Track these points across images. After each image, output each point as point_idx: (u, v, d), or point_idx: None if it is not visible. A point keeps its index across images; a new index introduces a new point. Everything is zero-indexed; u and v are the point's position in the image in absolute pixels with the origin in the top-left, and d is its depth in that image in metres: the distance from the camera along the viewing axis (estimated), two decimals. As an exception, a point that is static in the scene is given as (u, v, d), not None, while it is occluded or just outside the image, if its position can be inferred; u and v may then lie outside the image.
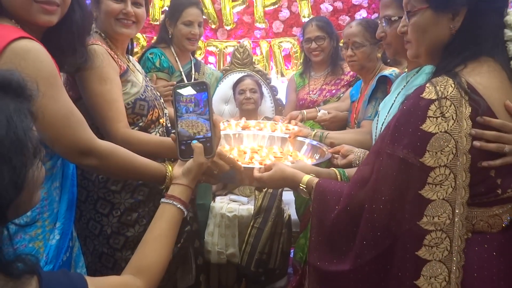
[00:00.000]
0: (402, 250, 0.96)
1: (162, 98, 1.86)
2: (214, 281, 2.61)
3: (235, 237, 2.54)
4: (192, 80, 2.51)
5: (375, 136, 1.60)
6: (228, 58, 3.50)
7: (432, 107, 0.93)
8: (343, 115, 2.37)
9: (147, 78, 1.79)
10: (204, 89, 1.17)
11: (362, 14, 3.56)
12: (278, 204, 2.55)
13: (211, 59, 3.79)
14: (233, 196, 2.78)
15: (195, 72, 2.55)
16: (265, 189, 2.56)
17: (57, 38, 1.23)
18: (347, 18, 3.56)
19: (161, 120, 1.70)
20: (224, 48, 3.72)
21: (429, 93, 0.94)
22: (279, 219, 2.55)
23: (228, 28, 3.71)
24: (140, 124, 1.59)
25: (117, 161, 1.24)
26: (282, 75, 3.69)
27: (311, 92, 2.72)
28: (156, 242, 1.05)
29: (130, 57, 1.77)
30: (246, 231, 2.49)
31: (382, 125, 1.53)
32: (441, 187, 0.92)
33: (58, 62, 1.21)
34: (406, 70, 1.64)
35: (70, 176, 1.28)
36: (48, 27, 1.17)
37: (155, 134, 1.66)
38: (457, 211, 0.92)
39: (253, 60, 3.34)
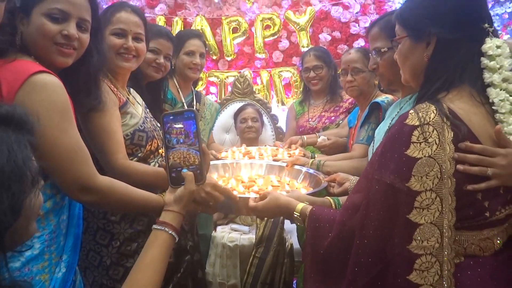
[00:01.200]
0: (394, 275, 0.95)
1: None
2: (216, 313, 2.56)
3: (237, 268, 2.51)
4: None
5: None
6: (229, 88, 3.55)
7: (415, 132, 0.95)
8: (342, 141, 2.38)
9: (147, 110, 1.82)
10: (192, 117, 1.19)
11: (360, 43, 3.62)
12: (280, 233, 2.52)
13: (213, 89, 3.85)
14: (234, 225, 2.76)
15: (196, 102, 2.59)
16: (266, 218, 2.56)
17: (75, 79, 1.29)
18: (346, 47, 3.63)
19: (160, 151, 1.72)
20: (225, 78, 3.78)
21: (412, 120, 0.97)
22: (281, 248, 2.52)
23: (229, 59, 3.80)
24: (139, 154, 1.61)
25: (115, 197, 1.26)
26: (283, 103, 3.74)
27: (310, 120, 2.75)
28: (148, 269, 1.06)
29: (131, 89, 1.81)
30: (248, 261, 2.45)
31: None
32: (428, 211, 0.93)
33: (73, 102, 1.26)
34: (400, 97, 1.67)
35: (77, 210, 1.30)
36: (64, 67, 1.24)
37: (154, 165, 1.68)
38: (445, 234, 0.92)
39: (254, 90, 3.38)
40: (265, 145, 3.02)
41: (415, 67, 1.10)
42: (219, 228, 2.75)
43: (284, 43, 3.75)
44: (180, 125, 1.20)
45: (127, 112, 1.61)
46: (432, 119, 0.95)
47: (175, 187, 1.22)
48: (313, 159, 2.02)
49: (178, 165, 1.21)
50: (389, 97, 2.04)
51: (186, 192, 1.19)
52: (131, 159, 1.59)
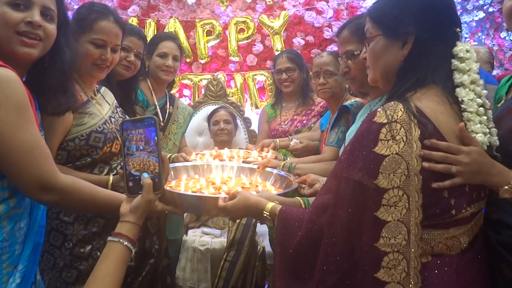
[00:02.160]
0: (362, 273, 0.95)
1: None
2: (186, 319, 2.51)
3: (208, 272, 2.49)
4: (167, 114, 2.51)
5: None
6: (203, 91, 3.52)
7: (383, 130, 0.95)
8: (314, 145, 2.39)
9: (118, 110, 1.78)
10: (152, 124, 1.16)
11: (333, 48, 3.66)
12: (251, 236, 2.50)
13: (186, 92, 3.81)
14: (206, 229, 2.74)
15: (169, 106, 2.55)
16: (239, 220, 2.53)
17: (47, 77, 1.24)
18: (319, 51, 3.64)
19: None
20: (198, 81, 3.75)
21: (380, 117, 0.97)
22: (253, 251, 2.50)
23: (202, 61, 3.77)
24: (94, 156, 1.58)
25: (79, 196, 1.20)
26: (257, 107, 3.73)
27: (282, 123, 2.75)
28: (101, 283, 1.01)
29: (103, 88, 1.77)
30: (219, 265, 2.41)
31: None
32: (395, 208, 0.93)
33: (45, 101, 1.22)
34: (369, 99, 1.68)
35: (39, 217, 1.24)
36: (29, 60, 1.18)
37: (117, 167, 1.65)
38: (412, 231, 0.92)
39: (227, 93, 3.37)
40: (237, 148, 3.02)
41: (388, 66, 1.10)
42: (190, 232, 2.71)
43: (258, 47, 3.75)
44: (141, 132, 1.16)
45: (85, 112, 1.57)
46: (400, 117, 0.96)
47: (132, 196, 1.17)
48: (284, 161, 2.01)
49: (137, 173, 1.17)
50: (358, 100, 2.05)
51: (143, 201, 1.14)
52: (85, 160, 1.56)
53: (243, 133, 3.25)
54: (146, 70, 2.45)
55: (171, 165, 1.93)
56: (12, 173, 1.08)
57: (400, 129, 0.95)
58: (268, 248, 2.62)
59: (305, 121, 2.71)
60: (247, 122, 3.30)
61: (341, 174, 1.00)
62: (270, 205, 1.24)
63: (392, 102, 0.99)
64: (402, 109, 0.97)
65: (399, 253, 0.92)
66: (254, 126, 3.28)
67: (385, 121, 0.96)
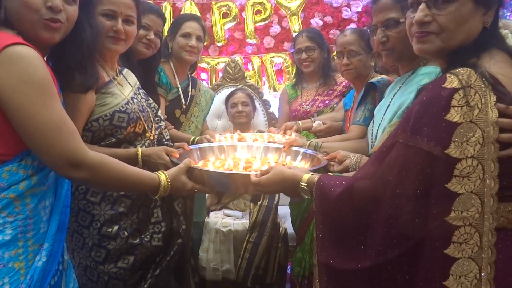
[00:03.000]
0: (430, 249, 0.91)
1: (155, 112, 1.84)
2: (210, 299, 2.53)
3: (230, 253, 2.49)
4: (189, 96, 2.49)
5: (371, 141, 1.58)
6: (220, 74, 3.49)
7: (456, 96, 0.90)
8: (337, 125, 2.35)
9: (140, 91, 1.77)
10: None
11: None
12: (273, 218, 2.50)
13: (203, 75, 3.78)
14: (227, 211, 2.73)
15: (191, 88, 2.53)
16: (260, 202, 2.53)
17: (67, 55, 1.24)
18: (337, 32, 3.57)
19: (147, 134, 1.68)
20: (216, 65, 3.71)
21: (451, 83, 0.91)
22: (275, 233, 2.50)
23: (219, 44, 3.72)
24: (119, 136, 1.57)
25: (108, 173, 1.20)
26: (275, 89, 3.68)
27: (304, 103, 2.71)
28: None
29: (125, 70, 1.76)
30: (242, 246, 2.44)
31: (378, 129, 1.50)
32: (468, 179, 0.88)
33: (67, 80, 1.22)
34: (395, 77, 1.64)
35: (63, 196, 1.23)
36: (52, 43, 1.17)
37: (142, 146, 1.64)
38: (487, 203, 0.88)
39: (245, 75, 3.33)
40: (256, 131, 3.00)
41: (471, 32, 1.01)
42: (212, 214, 2.71)
43: (276, 28, 3.69)
44: None
45: (108, 92, 1.56)
46: (474, 81, 0.90)
47: None
48: (310, 141, 1.98)
49: None
50: (385, 77, 2.01)
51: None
52: (110, 140, 1.56)
53: (262, 116, 3.22)
54: (169, 51, 2.43)
55: (196, 146, 1.93)
56: (41, 151, 1.08)
57: (475, 94, 0.89)
58: (290, 230, 2.62)
59: (327, 102, 2.66)
60: (265, 104, 3.27)
61: (405, 142, 0.94)
62: (307, 176, 1.21)
63: (460, 69, 0.94)
64: (475, 74, 0.91)
65: (472, 227, 0.88)
66: (273, 109, 3.25)
67: (458, 86, 0.90)
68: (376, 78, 2.01)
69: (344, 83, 2.65)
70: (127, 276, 1.59)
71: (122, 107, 1.58)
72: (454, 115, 0.89)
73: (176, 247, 1.71)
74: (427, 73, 1.37)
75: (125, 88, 1.66)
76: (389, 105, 1.47)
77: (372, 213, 0.98)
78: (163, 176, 1.35)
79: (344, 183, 1.06)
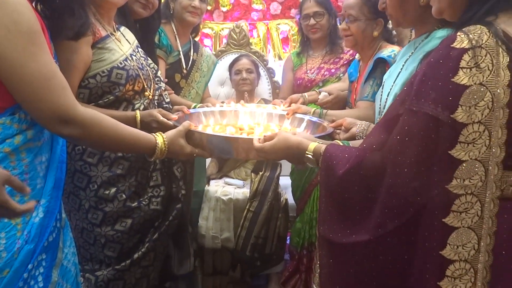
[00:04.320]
0: (429, 218, 0.87)
1: (155, 72, 1.77)
2: (208, 267, 2.53)
3: (230, 221, 2.46)
4: (190, 60, 2.41)
5: (379, 109, 1.51)
6: (224, 41, 3.39)
7: (465, 57, 0.84)
8: (344, 94, 2.27)
9: (139, 49, 1.70)
10: None
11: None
12: (274, 188, 2.47)
13: (207, 41, 3.68)
14: (228, 180, 2.70)
15: (193, 52, 2.45)
16: (262, 172, 2.49)
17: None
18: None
19: (146, 93, 1.62)
20: (220, 31, 3.60)
21: (460, 42, 0.85)
22: (276, 203, 2.47)
23: (224, 9, 3.60)
24: (117, 93, 1.52)
25: (100, 130, 1.15)
26: (280, 58, 3.58)
27: (308, 72, 2.62)
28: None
29: (122, 27, 1.69)
30: (242, 215, 2.41)
31: (387, 96, 1.43)
32: (474, 146, 0.83)
33: (57, 27, 1.14)
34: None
35: (59, 152, 1.19)
36: None
37: (140, 106, 1.59)
38: (491, 172, 0.84)
39: (250, 41, 3.24)
40: (260, 99, 2.94)
41: None
42: (212, 182, 2.68)
43: (283, -6, 3.58)
44: None
45: (104, 47, 1.50)
46: (485, 41, 0.84)
47: None
48: (314, 109, 1.92)
49: None
50: (395, 49, 1.91)
51: None
52: (108, 98, 1.50)
53: (266, 84, 3.14)
54: (171, 12, 2.33)
55: (196, 110, 1.87)
56: (28, 105, 1.02)
57: (486, 55, 0.83)
58: (291, 201, 2.60)
59: (333, 70, 2.57)
60: (270, 72, 3.18)
61: (409, 107, 0.89)
62: (313, 145, 1.15)
63: (473, 26, 0.87)
64: (488, 33, 0.85)
65: (473, 196, 0.84)
66: (277, 77, 3.16)
67: (468, 46, 0.84)
68: (387, 51, 1.91)
69: (351, 52, 2.55)
70: (124, 239, 1.58)
71: (121, 63, 1.52)
72: (462, 77, 0.84)
73: (175, 212, 1.69)
74: (444, 36, 1.29)
75: (123, 45, 1.61)
76: (400, 70, 1.39)
77: (378, 186, 0.94)
78: (160, 138, 1.31)
79: (353, 158, 1.00)
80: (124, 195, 1.55)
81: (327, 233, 1.02)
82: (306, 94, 2.33)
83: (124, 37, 1.65)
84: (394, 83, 1.40)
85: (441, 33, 1.30)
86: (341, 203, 1.01)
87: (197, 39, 3.18)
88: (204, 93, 2.54)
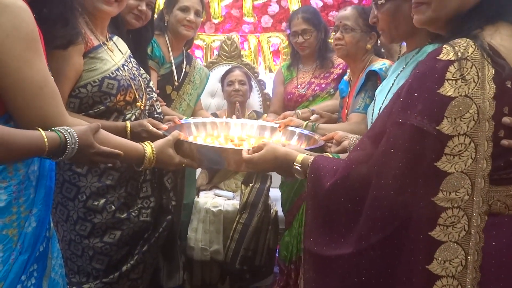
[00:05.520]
0: (415, 231, 0.86)
1: (147, 82, 1.77)
2: (197, 279, 2.50)
3: (220, 233, 2.44)
4: (183, 73, 2.41)
5: (371, 122, 1.52)
6: (215, 53, 3.40)
7: (451, 68, 0.84)
8: (335, 117, 2.28)
9: (131, 60, 1.70)
10: None
11: (352, 10, 3.50)
12: (265, 200, 2.46)
13: (198, 53, 3.68)
14: (218, 191, 2.68)
15: (186, 65, 2.45)
16: (252, 184, 2.48)
17: (48, 8, 1.15)
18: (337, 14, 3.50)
19: (138, 104, 1.61)
20: (211, 42, 3.62)
21: (446, 54, 0.86)
22: (266, 215, 2.46)
23: (215, 21, 3.62)
24: (108, 104, 1.51)
25: None
26: (271, 70, 3.59)
27: (299, 86, 2.63)
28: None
29: (115, 37, 1.69)
30: (231, 227, 2.39)
31: (379, 110, 1.45)
32: (459, 158, 0.83)
33: (49, 35, 1.14)
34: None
35: (48, 160, 1.17)
36: None
37: (131, 117, 1.59)
38: (477, 185, 0.84)
39: (241, 54, 3.25)
40: (252, 111, 2.95)
41: (465, 2, 0.94)
42: (202, 194, 2.66)
43: (274, 8, 3.60)
44: None
45: (96, 57, 1.50)
46: (471, 53, 0.84)
47: None
48: (307, 122, 1.92)
49: None
50: (386, 62, 1.93)
51: None
52: (99, 108, 1.48)
53: (257, 96, 3.15)
54: (165, 24, 2.33)
55: (187, 120, 1.87)
56: (18, 112, 1.01)
57: (471, 67, 0.84)
58: (280, 213, 2.58)
59: (323, 85, 2.58)
60: (261, 84, 3.20)
61: (395, 119, 0.89)
62: (301, 156, 1.15)
63: (459, 39, 0.88)
64: (473, 46, 0.85)
65: (460, 209, 0.84)
66: (268, 89, 3.17)
67: (454, 58, 0.84)
68: (378, 64, 1.93)
69: (341, 65, 2.57)
70: (112, 251, 1.55)
71: (112, 73, 1.52)
72: (448, 89, 0.84)
73: (165, 224, 1.68)
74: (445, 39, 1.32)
75: (116, 55, 1.60)
76: (392, 85, 1.41)
77: (364, 198, 0.94)
78: (148, 147, 1.30)
79: (340, 169, 1.00)
80: (113, 206, 1.54)
81: (312, 246, 1.01)
82: (299, 111, 2.33)
83: (117, 46, 1.65)
84: (385, 97, 1.41)
85: (432, 48, 1.31)
86: (327, 215, 1.01)
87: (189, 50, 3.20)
88: (196, 106, 2.54)
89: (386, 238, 0.89)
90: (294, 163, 1.15)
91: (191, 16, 2.27)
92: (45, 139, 0.99)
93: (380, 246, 0.90)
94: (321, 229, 1.01)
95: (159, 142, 1.36)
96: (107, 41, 1.60)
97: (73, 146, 1.04)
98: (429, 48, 1.32)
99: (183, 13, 2.27)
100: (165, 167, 1.47)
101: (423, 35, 1.37)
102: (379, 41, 2.10)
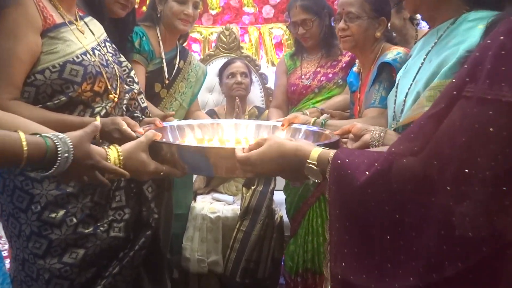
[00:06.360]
0: None
1: (128, 72, 1.54)
2: (193, 294, 2.29)
3: (219, 242, 2.27)
4: (175, 69, 2.18)
5: (394, 114, 1.26)
6: (214, 45, 3.20)
7: None
8: (348, 115, 2.04)
9: (108, 44, 1.47)
10: None
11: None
12: (268, 204, 2.27)
13: (195, 47, 3.51)
14: (216, 195, 2.49)
15: (180, 60, 2.21)
16: (254, 187, 2.27)
17: None
18: (343, 1, 3.28)
19: (110, 95, 1.37)
20: (209, 35, 3.45)
21: None
22: (270, 222, 2.27)
23: (213, 12, 3.48)
24: (71, 94, 1.29)
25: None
26: (273, 64, 3.41)
27: (303, 77, 2.39)
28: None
29: (89, 18, 1.47)
30: (231, 235, 2.22)
31: (405, 97, 1.19)
32: None
33: None
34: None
35: None
36: None
37: (101, 111, 1.36)
38: None
39: (240, 45, 3.04)
40: (253, 107, 2.72)
41: None
42: (199, 198, 2.46)
43: (276, -4, 3.43)
44: None
45: (58, 37, 1.28)
46: None
47: None
48: (315, 118, 1.68)
49: None
50: (401, 51, 1.69)
51: None
52: (59, 99, 1.27)
53: (258, 90, 2.93)
54: (158, 16, 2.11)
55: (172, 123, 1.58)
56: None
57: None
58: (286, 219, 2.38)
59: (330, 75, 2.34)
60: (263, 78, 2.98)
61: (480, 96, 0.62)
62: (316, 151, 0.89)
63: None
64: None
65: None
66: (271, 84, 2.95)
67: None
68: (391, 54, 1.68)
69: (350, 53, 2.33)
70: (74, 274, 1.30)
71: (77, 57, 1.30)
72: None
73: (143, 240, 1.42)
74: (480, 18, 1.05)
75: (86, 37, 1.38)
76: (421, 65, 1.15)
77: (421, 206, 0.67)
78: (113, 152, 1.02)
79: (377, 162, 0.74)
80: (74, 219, 1.29)
81: (346, 273, 0.76)
82: (308, 111, 2.09)
83: (88, 27, 1.43)
84: (413, 80, 1.16)
85: (475, 16, 1.07)
86: (363, 228, 0.75)
87: (184, 44, 2.97)
88: (192, 106, 2.30)
89: (470, 271, 0.63)
90: (308, 160, 0.89)
91: (189, 10, 2.05)
92: (23, 142, 0.80)
93: (460, 281, 0.64)
94: (356, 248, 0.76)
95: (128, 145, 1.08)
96: (77, 21, 1.37)
97: (66, 155, 0.86)
98: (470, 16, 1.08)
99: (180, 5, 2.04)
100: (137, 176, 1.14)
101: (455, 4, 1.13)
102: (389, 26, 1.87)
